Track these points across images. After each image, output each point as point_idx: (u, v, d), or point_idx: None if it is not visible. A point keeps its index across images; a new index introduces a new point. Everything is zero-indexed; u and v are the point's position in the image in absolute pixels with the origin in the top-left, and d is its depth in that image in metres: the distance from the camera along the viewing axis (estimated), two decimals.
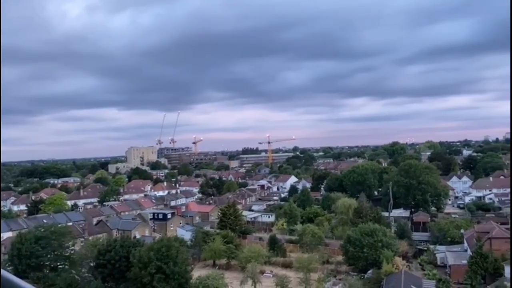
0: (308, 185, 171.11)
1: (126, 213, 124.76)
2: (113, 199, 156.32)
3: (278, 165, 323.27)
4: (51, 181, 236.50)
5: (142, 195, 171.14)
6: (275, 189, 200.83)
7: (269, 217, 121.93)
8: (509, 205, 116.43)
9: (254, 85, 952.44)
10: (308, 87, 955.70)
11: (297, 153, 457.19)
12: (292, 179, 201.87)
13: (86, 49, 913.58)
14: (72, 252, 65.97)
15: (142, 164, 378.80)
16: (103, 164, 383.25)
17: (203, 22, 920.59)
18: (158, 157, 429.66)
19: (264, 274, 69.52)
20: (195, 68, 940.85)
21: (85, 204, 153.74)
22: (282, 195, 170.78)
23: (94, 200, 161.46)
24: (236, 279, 65.86)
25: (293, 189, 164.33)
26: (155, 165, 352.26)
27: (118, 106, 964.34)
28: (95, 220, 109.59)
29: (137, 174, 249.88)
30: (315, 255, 71.37)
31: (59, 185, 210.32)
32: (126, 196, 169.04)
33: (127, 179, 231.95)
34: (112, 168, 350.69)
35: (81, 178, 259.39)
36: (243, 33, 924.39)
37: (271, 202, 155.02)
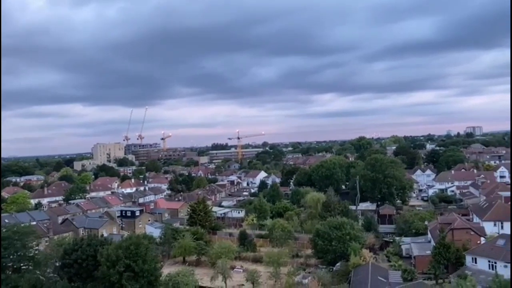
0: (278, 180, 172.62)
1: (93, 211, 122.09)
2: (79, 197, 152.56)
3: (248, 160, 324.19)
4: (13, 179, 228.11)
5: (109, 192, 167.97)
6: (245, 184, 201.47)
7: (239, 212, 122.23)
8: (470, 197, 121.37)
9: (224, 80, 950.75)
10: (278, 83, 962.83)
11: (267, 148, 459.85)
12: (262, 174, 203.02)
13: (49, 42, 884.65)
14: (36, 252, 63.94)
15: (109, 161, 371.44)
16: (68, 161, 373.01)
17: (170, 16, 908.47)
18: (125, 154, 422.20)
19: (235, 269, 69.78)
20: (163, 63, 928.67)
21: (50, 202, 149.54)
22: (252, 191, 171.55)
23: (59, 198, 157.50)
24: (206, 275, 65.80)
25: (262, 184, 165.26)
26: (122, 162, 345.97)
27: (83, 102, 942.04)
28: (60, 219, 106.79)
29: (103, 171, 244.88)
30: (284, 249, 72.14)
31: (21, 184, 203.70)
32: (93, 194, 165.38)
33: (93, 176, 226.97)
34: (77, 165, 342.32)
35: (45, 176, 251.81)
36: (212, 28, 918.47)
37: (241, 198, 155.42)
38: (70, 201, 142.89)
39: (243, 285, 63.10)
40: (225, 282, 61.31)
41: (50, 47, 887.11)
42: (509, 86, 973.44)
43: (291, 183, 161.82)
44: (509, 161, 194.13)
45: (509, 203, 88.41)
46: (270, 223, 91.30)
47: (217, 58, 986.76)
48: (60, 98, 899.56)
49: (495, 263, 55.53)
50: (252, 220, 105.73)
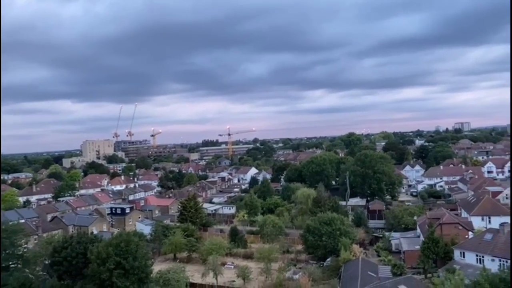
0: (268, 176, 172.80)
1: (83, 208, 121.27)
2: (68, 194, 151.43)
3: (239, 157, 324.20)
4: (1, 176, 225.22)
5: (99, 189, 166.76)
6: (235, 181, 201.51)
7: (230, 209, 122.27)
8: (458, 192, 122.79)
9: (214, 76, 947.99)
10: (268, 79, 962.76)
11: (257, 144, 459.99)
12: (253, 171, 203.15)
13: (36, 38, 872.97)
14: (25, 250, 63.31)
15: (98, 158, 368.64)
16: (57, 159, 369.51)
17: (160, 12, 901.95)
18: (115, 151, 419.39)
19: (226, 265, 69.86)
20: (153, 59, 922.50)
21: (39, 200, 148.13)
22: (243, 187, 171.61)
23: (48, 196, 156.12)
24: (197, 272, 65.82)
25: (253, 180, 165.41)
26: (112, 159, 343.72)
27: (72, 98, 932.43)
28: (49, 217, 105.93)
29: (93, 168, 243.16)
30: (275, 245, 72.39)
31: (9, 181, 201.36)
32: (82, 191, 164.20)
33: (82, 173, 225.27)
34: (66, 163, 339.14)
35: (34, 173, 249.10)
36: (201, 24, 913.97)
37: (232, 194, 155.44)
38: (59, 199, 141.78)
39: (234, 281, 63.22)
40: (216, 279, 61.37)
41: (38, 43, 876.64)
42: (494, 82, 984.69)
43: (281, 179, 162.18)
44: (496, 157, 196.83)
45: (496, 198, 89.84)
46: (261, 219, 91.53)
47: (207, 54, 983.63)
48: (49, 95, 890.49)
49: (483, 257, 56.31)
50: (243, 216, 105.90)
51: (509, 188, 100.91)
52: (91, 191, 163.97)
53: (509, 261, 50.32)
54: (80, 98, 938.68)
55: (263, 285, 59.49)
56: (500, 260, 53.50)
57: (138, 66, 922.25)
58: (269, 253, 65.98)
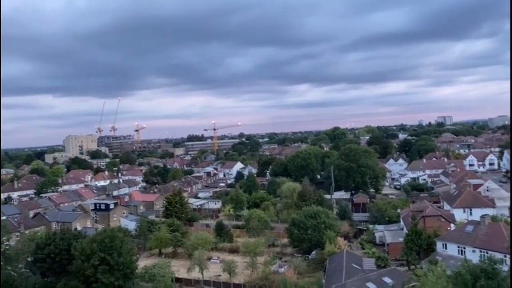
0: (254, 170, 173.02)
1: (66, 204, 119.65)
2: (51, 190, 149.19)
3: (224, 151, 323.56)
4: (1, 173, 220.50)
5: (82, 185, 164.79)
6: (221, 175, 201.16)
7: (215, 203, 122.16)
8: (441, 185, 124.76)
9: (199, 71, 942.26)
10: (253, 73, 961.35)
11: (243, 139, 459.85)
12: (238, 165, 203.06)
13: (17, 32, 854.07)
14: (7, 247, 62.32)
15: (82, 153, 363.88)
16: (39, 154, 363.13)
17: (143, 5, 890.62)
18: (98, 146, 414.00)
19: (211, 260, 69.86)
20: (136, 53, 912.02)
21: (20, 196, 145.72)
22: (229, 182, 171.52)
23: (30, 192, 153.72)
24: (183, 267, 65.66)
25: (239, 175, 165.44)
26: (95, 154, 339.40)
27: (54, 93, 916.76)
28: (31, 213, 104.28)
29: (76, 163, 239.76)
30: (261, 239, 72.60)
31: None
32: (65, 187, 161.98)
33: (65, 169, 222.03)
34: (49, 158, 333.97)
35: (15, 169, 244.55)
36: (185, 17, 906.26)
37: (218, 189, 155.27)
38: (41, 195, 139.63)
39: (220, 275, 63.31)
40: (202, 273, 61.35)
41: (19, 37, 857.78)
42: (475, 77, 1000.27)
43: (267, 173, 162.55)
44: (478, 150, 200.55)
45: (477, 190, 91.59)
46: (246, 214, 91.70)
47: (191, 48, 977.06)
48: (29, 89, 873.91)
49: (464, 248, 57.45)
50: (229, 211, 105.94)
51: (489, 181, 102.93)
52: (74, 187, 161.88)
53: (489, 252, 51.37)
54: (62, 92, 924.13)
55: (249, 279, 59.68)
56: (481, 251, 54.69)
57: (121, 60, 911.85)
58: (255, 247, 66.19)
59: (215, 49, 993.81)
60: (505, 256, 49.90)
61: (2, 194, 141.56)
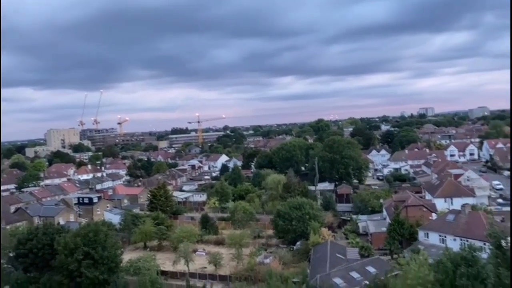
0: (239, 163, 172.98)
1: (48, 198, 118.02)
2: (32, 184, 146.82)
3: (209, 144, 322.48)
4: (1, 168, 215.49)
5: (65, 179, 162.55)
6: (206, 168, 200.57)
7: (200, 196, 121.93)
8: (423, 175, 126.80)
9: (182, 63, 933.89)
10: (237, 66, 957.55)
11: (228, 132, 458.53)
12: (223, 158, 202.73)
13: None
14: None
15: (64, 147, 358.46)
16: (20, 148, 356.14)
17: None
18: (80, 139, 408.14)
19: (197, 252, 69.88)
20: (117, 44, 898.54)
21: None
22: (214, 174, 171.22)
23: (11, 186, 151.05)
24: (168, 260, 65.58)
25: (224, 167, 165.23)
26: (77, 148, 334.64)
27: (35, 86, 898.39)
28: (12, 208, 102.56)
29: (58, 157, 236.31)
30: (246, 231, 72.90)
31: None
32: (47, 181, 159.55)
33: (47, 163, 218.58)
34: (30, 152, 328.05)
35: None
36: (169, 8, 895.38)
37: (203, 182, 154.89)
38: (23, 190, 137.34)
39: (205, 267, 63.43)
40: (188, 266, 61.37)
41: None
42: (456, 68, 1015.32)
43: (252, 166, 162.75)
44: (458, 140, 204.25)
45: (458, 180, 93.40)
46: (232, 206, 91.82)
47: (174, 39, 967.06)
48: (9, 82, 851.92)
49: (445, 237, 58.67)
50: (214, 203, 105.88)
51: (470, 171, 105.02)
52: (56, 181, 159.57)
53: (469, 240, 52.58)
54: (43, 85, 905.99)
55: (235, 270, 59.95)
56: (461, 240, 55.90)
57: (103, 52, 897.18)
58: (240, 238, 66.43)
59: (199, 41, 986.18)
60: (484, 244, 51.13)
61: None
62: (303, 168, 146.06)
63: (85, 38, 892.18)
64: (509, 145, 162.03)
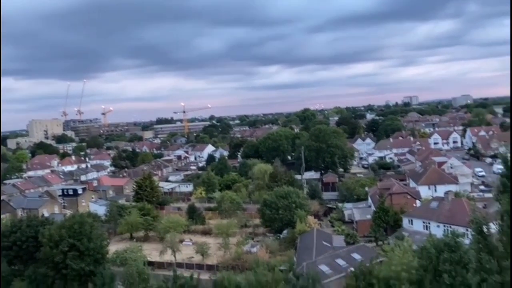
0: (226, 153, 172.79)
1: (32, 190, 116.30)
2: (15, 176, 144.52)
3: (195, 134, 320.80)
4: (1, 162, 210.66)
5: (48, 170, 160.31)
6: (192, 158, 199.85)
7: (187, 186, 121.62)
8: (407, 163, 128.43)
9: (166, 52, 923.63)
10: (222, 55, 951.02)
11: (214, 121, 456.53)
12: (210, 148, 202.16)
13: None
14: None
15: (47, 138, 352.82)
16: (1, 139, 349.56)
17: None
18: (64, 130, 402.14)
19: (184, 242, 69.91)
20: (101, 33, 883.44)
21: None
22: (200, 164, 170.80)
23: None
24: (155, 250, 65.46)
25: (210, 158, 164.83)
26: (61, 139, 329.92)
27: (15, 75, 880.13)
28: None
29: (41, 148, 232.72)
30: (233, 220, 73.15)
31: None
32: (30, 173, 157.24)
33: (30, 154, 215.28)
34: (11, 143, 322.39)
35: None
36: None
37: (189, 172, 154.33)
38: (5, 181, 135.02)
39: (192, 257, 63.54)
40: (174, 256, 61.38)
41: None
42: (440, 57, 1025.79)
43: (239, 155, 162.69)
44: (442, 129, 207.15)
45: (442, 167, 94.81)
46: (218, 196, 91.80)
47: (158, 28, 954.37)
48: None
49: (429, 223, 59.65)
50: (201, 193, 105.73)
51: (453, 158, 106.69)
52: (40, 172, 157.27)
53: (452, 226, 53.55)
54: (24, 75, 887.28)
55: (222, 260, 60.18)
56: (444, 226, 56.86)
57: (85, 41, 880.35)
58: (227, 228, 66.63)
59: (183, 30, 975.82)
60: (467, 230, 52.17)
61: None
62: (289, 158, 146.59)
63: (67, 27, 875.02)
64: (491, 132, 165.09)
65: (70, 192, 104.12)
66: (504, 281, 18.72)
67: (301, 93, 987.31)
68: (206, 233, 76.23)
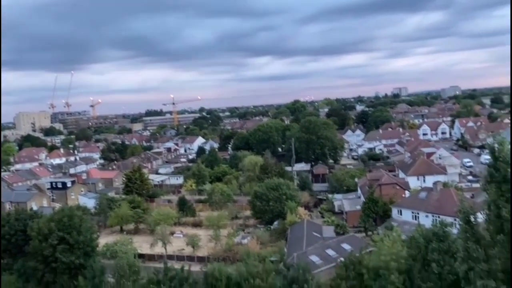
0: (216, 145, 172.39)
1: (19, 184, 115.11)
2: (2, 169, 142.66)
3: (185, 126, 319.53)
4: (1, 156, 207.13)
5: (36, 163, 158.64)
6: (182, 151, 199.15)
7: (177, 179, 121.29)
8: (396, 154, 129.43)
9: (156, 43, 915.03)
10: (212, 46, 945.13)
11: (204, 113, 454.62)
12: (200, 140, 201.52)
13: None
14: None
15: (34, 131, 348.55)
16: (1, 131, 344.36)
17: None
18: (52, 122, 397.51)
19: (174, 234, 69.86)
20: (90, 24, 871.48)
21: None
22: (190, 157, 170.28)
23: None
24: (145, 243, 65.36)
25: (200, 150, 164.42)
26: (49, 131, 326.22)
27: (1, 67, 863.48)
28: None
29: (29, 141, 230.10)
30: (224, 212, 73.21)
31: None
32: (18, 166, 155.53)
33: (17, 147, 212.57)
34: None
35: None
36: None
37: (179, 164, 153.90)
38: None
39: (183, 249, 63.56)
40: (165, 248, 61.34)
41: None
42: (429, 48, 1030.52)
43: (229, 147, 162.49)
44: (431, 120, 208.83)
45: (430, 158, 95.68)
46: (209, 188, 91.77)
47: (147, 19, 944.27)
48: None
49: (418, 214, 60.30)
50: (191, 185, 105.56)
51: (441, 149, 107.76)
52: (28, 165, 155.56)
53: (441, 216, 54.18)
54: (10, 66, 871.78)
55: (213, 251, 60.31)
56: (433, 216, 57.50)
57: (73, 32, 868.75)
58: (218, 220, 66.69)
59: (172, 21, 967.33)
60: (455, 220, 52.87)
61: None
62: (279, 149, 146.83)
63: (54, 17, 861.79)
64: (479, 123, 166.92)
65: (59, 185, 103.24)
66: (491, 269, 19.01)
67: (292, 84, 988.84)
68: (196, 225, 76.27)
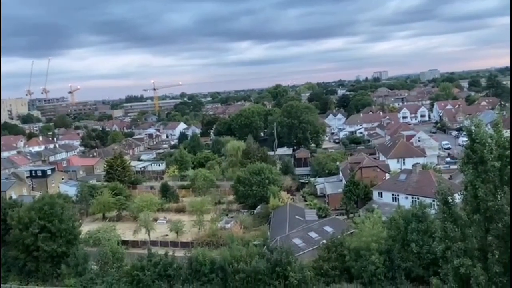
0: (198, 130, 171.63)
1: None
2: None
3: (166, 112, 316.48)
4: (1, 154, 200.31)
5: (14, 152, 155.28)
6: (164, 137, 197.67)
7: (159, 165, 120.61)
8: (377, 137, 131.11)
9: (134, 27, 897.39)
10: (192, 30, 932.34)
11: (185, 99, 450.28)
12: (181, 126, 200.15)
13: None
14: None
15: (11, 118, 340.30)
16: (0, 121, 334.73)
17: None
18: (29, 110, 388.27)
19: (158, 221, 69.78)
20: (65, 9, 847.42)
21: None
22: (172, 143, 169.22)
23: None
24: (128, 229, 65.14)
25: (182, 135, 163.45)
26: (26, 119, 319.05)
27: None
28: None
29: (6, 129, 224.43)
30: (207, 198, 73.33)
31: None
32: None
33: None
34: None
35: None
36: None
37: (161, 151, 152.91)
38: None
39: (167, 235, 63.64)
40: (149, 234, 61.30)
41: None
42: (409, 32, 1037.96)
43: (211, 133, 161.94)
44: (410, 103, 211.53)
45: (410, 141, 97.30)
46: (192, 174, 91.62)
47: (125, 2, 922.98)
48: None
49: (398, 195, 61.58)
50: (174, 172, 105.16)
51: (421, 132, 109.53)
52: (5, 154, 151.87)
53: (420, 197, 55.48)
54: None
55: (197, 237, 60.56)
56: (412, 197, 58.87)
57: (49, 16, 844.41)
58: (201, 205, 66.81)
59: (151, 4, 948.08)
60: (433, 201, 54.21)
61: None
62: (262, 134, 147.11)
63: (27, 1, 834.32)
64: (457, 106, 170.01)
65: (39, 173, 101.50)
66: (467, 248, 19.64)
67: (273, 69, 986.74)
68: (180, 211, 76.28)
